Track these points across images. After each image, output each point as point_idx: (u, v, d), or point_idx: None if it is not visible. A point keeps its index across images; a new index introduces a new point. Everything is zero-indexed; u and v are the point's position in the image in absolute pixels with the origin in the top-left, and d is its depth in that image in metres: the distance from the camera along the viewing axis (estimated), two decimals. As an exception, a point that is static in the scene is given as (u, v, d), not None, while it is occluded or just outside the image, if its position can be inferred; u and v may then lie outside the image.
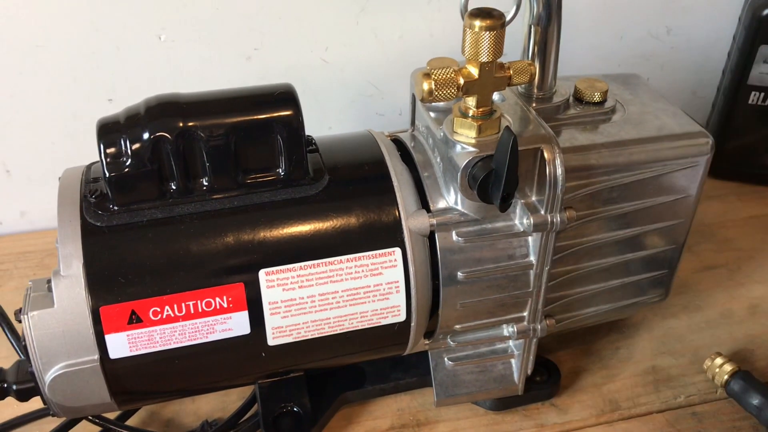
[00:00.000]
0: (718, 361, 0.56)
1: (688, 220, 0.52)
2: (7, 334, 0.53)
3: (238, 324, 0.44)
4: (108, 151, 0.42)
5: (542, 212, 0.45)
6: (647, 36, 0.77)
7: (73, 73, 0.67)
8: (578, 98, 0.51)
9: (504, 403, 0.55)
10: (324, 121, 0.74)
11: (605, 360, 0.59)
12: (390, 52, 0.72)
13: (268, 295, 0.44)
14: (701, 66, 0.80)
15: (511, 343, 0.53)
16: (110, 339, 0.42)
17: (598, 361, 0.59)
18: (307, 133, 0.46)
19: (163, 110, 0.42)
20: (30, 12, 0.63)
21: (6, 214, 0.74)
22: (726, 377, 0.55)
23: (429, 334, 0.51)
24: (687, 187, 0.50)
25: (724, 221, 0.74)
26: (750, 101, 0.72)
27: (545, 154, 0.44)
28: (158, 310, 0.42)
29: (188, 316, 0.43)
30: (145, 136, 0.42)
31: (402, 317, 0.47)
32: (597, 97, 0.50)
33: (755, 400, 0.53)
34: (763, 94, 0.72)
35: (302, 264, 0.44)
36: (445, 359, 0.52)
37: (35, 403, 0.53)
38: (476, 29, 0.41)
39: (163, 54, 0.67)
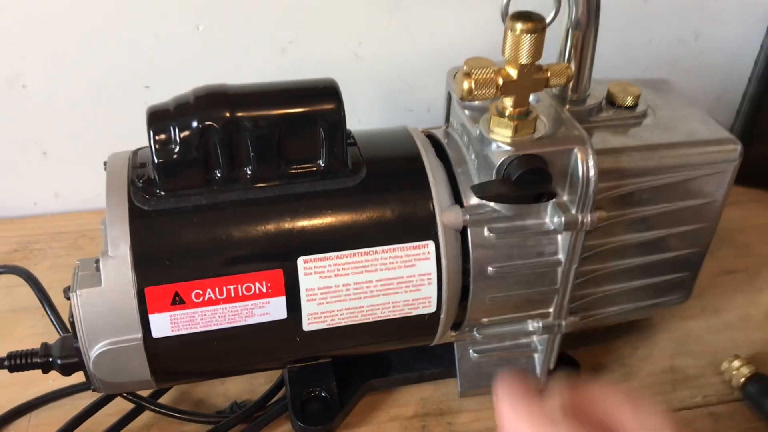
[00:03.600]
0: (736, 363, 0.57)
1: (713, 224, 0.53)
2: (47, 312, 0.56)
3: (275, 309, 0.46)
4: (158, 137, 0.44)
5: (573, 212, 0.46)
6: (675, 41, 0.78)
7: (111, 59, 0.69)
8: (611, 102, 0.52)
9: (525, 396, 0.56)
10: (353, 114, 0.74)
11: (624, 358, 0.61)
12: (421, 49, 0.73)
13: (305, 282, 0.45)
14: (728, 72, 0.81)
15: (534, 338, 0.54)
16: (154, 319, 0.44)
17: (618, 359, 0.61)
18: (345, 127, 0.47)
19: (212, 100, 0.44)
20: (73, -1, 0.65)
21: (41, 195, 0.76)
22: (743, 380, 0.56)
23: (456, 326, 0.53)
24: (713, 192, 0.51)
25: (745, 227, 0.75)
26: (775, 109, 0.73)
27: (579, 155, 0.45)
28: (200, 292, 0.44)
29: (229, 300, 0.45)
30: (194, 124, 0.43)
31: (433, 308, 0.48)
32: (629, 101, 0.51)
33: (772, 403, 0.54)
34: (788, 103, 0.72)
35: (339, 253, 0.46)
36: (470, 351, 0.54)
37: (67, 380, 0.55)
38: (517, 32, 0.42)
39: (200, 43, 0.69)
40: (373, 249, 0.46)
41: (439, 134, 0.53)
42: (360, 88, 0.74)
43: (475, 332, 0.53)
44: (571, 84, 0.50)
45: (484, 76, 0.44)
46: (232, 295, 0.45)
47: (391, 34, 0.72)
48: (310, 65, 0.71)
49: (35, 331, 0.62)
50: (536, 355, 0.54)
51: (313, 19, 0.70)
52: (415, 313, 0.48)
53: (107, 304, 0.43)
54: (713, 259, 0.71)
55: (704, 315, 0.65)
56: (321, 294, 0.46)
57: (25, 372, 0.56)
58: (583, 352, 0.61)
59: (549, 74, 0.45)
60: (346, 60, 0.72)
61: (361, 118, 0.75)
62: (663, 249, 0.53)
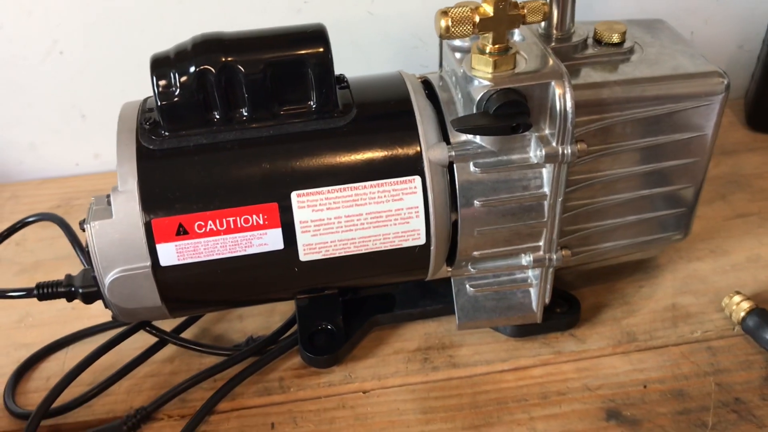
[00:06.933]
0: (736, 298, 0.58)
1: (705, 158, 0.54)
2: (78, 253, 0.61)
3: (272, 240, 0.49)
4: (160, 83, 0.48)
5: (554, 144, 0.48)
6: (692, -12, 0.78)
7: (140, 24, 0.73)
8: (597, 39, 0.53)
9: (524, 331, 0.58)
10: (368, 72, 0.78)
11: (627, 297, 0.62)
12: (434, 4, 0.75)
13: (299, 215, 0.49)
14: (747, 19, 0.80)
15: (530, 272, 0.56)
16: (161, 248, 0.48)
17: (620, 297, 0.62)
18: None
19: (208, 46, 0.48)
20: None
21: (82, 156, 0.81)
22: (743, 314, 0.57)
23: (451, 261, 0.55)
24: (702, 125, 0.52)
25: (762, 173, 0.75)
26: (794, 53, 0.72)
27: (556, 88, 0.47)
28: (202, 224, 0.48)
29: (228, 231, 0.48)
30: (192, 69, 0.47)
31: (422, 240, 0.51)
32: (615, 39, 0.52)
33: (770, 336, 0.55)
34: (806, 46, 0.72)
35: (330, 188, 0.49)
36: (467, 285, 0.56)
37: (99, 319, 0.60)
38: (490, -32, 0.44)
39: (219, 7, 0.73)
40: (362, 184, 0.49)
41: (434, 78, 0.55)
42: (374, 45, 0.77)
43: (469, 267, 0.55)
44: (554, 22, 0.52)
45: (461, 14, 0.46)
46: (232, 226, 0.48)
47: (404, -10, 0.74)
48: (325, 24, 0.74)
49: (74, 276, 0.67)
50: (532, 290, 0.56)
51: (326, -21, 0.73)
52: (405, 245, 0.51)
53: (118, 234, 0.47)
54: (726, 203, 0.71)
55: (712, 256, 0.65)
56: (314, 226, 0.49)
57: (62, 312, 0.62)
58: (586, 292, 0.62)
59: (525, 11, 0.46)
60: (360, 18, 0.75)
61: (377, 74, 0.78)
62: (654, 184, 0.54)
